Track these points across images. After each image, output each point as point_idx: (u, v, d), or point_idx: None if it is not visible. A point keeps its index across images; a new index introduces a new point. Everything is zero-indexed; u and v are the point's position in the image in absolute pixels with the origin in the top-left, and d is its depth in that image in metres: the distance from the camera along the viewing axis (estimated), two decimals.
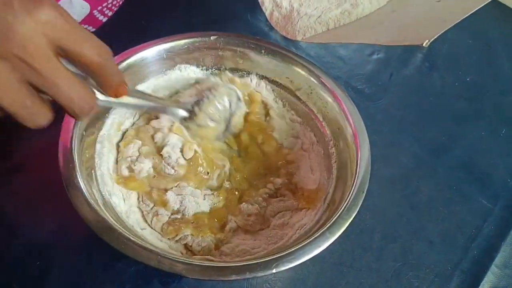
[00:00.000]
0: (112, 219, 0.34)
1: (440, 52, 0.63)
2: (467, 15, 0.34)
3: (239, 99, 0.44)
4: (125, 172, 0.41)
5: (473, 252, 0.44)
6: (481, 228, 0.46)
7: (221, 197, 0.42)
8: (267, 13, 0.45)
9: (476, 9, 0.35)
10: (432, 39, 0.33)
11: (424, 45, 0.32)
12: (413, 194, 0.48)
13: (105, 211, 0.35)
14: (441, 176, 0.50)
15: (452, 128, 0.54)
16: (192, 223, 0.40)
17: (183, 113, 0.41)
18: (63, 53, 0.26)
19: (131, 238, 0.32)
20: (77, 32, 0.26)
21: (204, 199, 0.42)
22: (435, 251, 0.44)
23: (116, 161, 0.42)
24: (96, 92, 0.31)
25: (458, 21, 0.35)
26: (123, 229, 0.33)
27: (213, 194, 0.42)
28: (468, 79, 0.60)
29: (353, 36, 0.42)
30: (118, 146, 0.43)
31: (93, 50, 0.27)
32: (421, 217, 0.46)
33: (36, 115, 0.26)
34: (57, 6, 0.25)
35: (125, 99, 0.34)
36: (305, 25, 0.43)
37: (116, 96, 0.32)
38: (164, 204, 0.40)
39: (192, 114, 0.41)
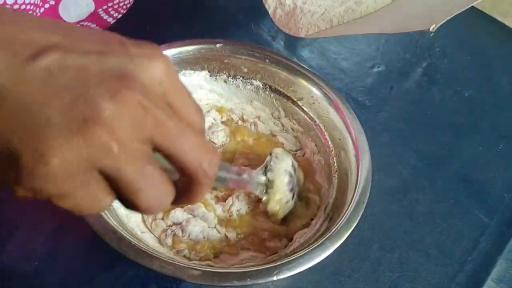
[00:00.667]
0: (113, 221, 0.34)
1: (440, 67, 0.64)
2: (474, 3, 0.34)
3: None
4: None
5: (470, 265, 0.44)
6: (478, 242, 0.46)
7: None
8: (270, 11, 0.46)
9: None
10: (440, 24, 0.32)
11: (431, 29, 0.32)
12: (411, 205, 0.48)
13: (106, 212, 0.35)
14: (439, 189, 0.50)
15: (451, 142, 0.55)
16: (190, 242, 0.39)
17: (261, 187, 0.38)
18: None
19: (132, 241, 0.32)
20: (184, 89, 0.22)
21: (213, 228, 0.40)
22: (432, 263, 0.44)
23: None
24: None
25: (466, 7, 0.34)
26: (125, 232, 0.33)
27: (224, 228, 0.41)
28: (466, 94, 0.61)
29: (358, 29, 0.42)
30: None
31: (196, 111, 0.22)
32: (419, 228, 0.46)
33: (159, 190, 0.21)
34: (168, 58, 0.22)
35: None
36: (308, 22, 0.43)
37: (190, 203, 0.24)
38: (166, 212, 0.40)
39: (267, 184, 0.38)
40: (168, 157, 0.20)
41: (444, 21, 0.32)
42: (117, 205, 0.39)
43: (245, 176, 0.36)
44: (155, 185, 0.20)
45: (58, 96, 0.18)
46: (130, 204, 0.20)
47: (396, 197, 0.49)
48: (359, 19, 0.40)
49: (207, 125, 0.46)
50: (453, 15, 0.33)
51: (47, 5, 0.47)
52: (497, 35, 0.71)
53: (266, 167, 0.39)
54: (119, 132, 0.18)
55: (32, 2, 0.44)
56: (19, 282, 0.38)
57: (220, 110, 0.48)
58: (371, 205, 0.46)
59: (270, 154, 0.40)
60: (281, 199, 0.39)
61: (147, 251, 0.32)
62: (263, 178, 0.38)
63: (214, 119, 0.48)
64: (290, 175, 0.39)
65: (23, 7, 0.43)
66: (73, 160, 0.18)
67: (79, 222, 0.33)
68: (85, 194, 0.19)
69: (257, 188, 0.38)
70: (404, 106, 0.58)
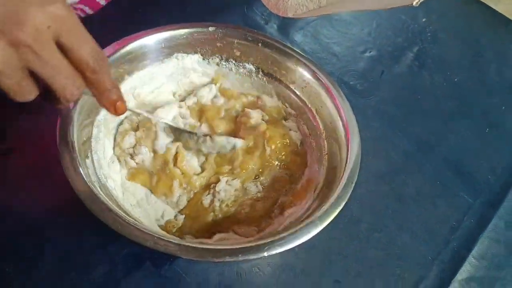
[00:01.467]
0: (109, 201, 0.35)
1: (430, 52, 0.65)
2: None
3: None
4: (133, 164, 0.42)
5: (453, 244, 0.46)
6: (461, 221, 0.48)
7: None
8: None
9: None
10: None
11: (414, 4, 0.32)
12: (400, 187, 0.50)
13: (101, 193, 0.36)
14: (427, 172, 0.51)
15: (440, 126, 0.56)
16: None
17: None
18: (62, 49, 0.28)
19: (127, 219, 0.33)
20: (80, 32, 0.28)
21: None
22: (418, 241, 0.46)
23: (118, 160, 0.43)
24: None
25: None
26: (119, 211, 0.34)
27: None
28: (456, 80, 0.62)
29: (344, 7, 0.42)
30: (115, 138, 0.44)
31: (90, 52, 0.29)
32: (406, 209, 0.48)
33: (27, 92, 0.28)
34: (68, 6, 0.27)
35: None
36: (297, 2, 0.43)
37: (116, 113, 0.32)
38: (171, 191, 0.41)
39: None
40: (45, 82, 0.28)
41: None
42: (111, 186, 0.40)
43: None
44: (24, 91, 0.28)
45: None
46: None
47: (386, 179, 0.50)
48: None
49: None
50: None
51: None
52: (489, 21, 0.72)
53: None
54: (5, 61, 0.26)
55: None
56: (14, 260, 0.39)
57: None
58: (361, 187, 0.48)
59: None
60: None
61: (141, 229, 0.33)
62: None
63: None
64: None
65: None
66: None
67: (74, 202, 0.34)
68: (17, 82, 0.27)
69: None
70: (395, 90, 0.59)
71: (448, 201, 0.49)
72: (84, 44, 0.28)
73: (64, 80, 0.28)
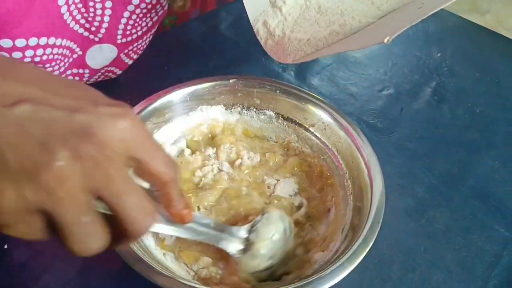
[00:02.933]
0: (141, 251, 0.36)
1: (449, 86, 0.66)
2: (426, 16, 0.35)
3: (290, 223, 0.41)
4: None
5: (494, 281, 0.44)
6: (500, 257, 0.46)
7: None
8: (262, 42, 0.48)
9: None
10: (394, 36, 0.34)
11: (385, 41, 0.33)
12: (429, 223, 0.49)
13: (134, 243, 0.37)
14: (456, 206, 0.51)
15: (465, 158, 0.56)
16: None
17: (238, 246, 0.37)
18: (134, 164, 0.25)
19: (160, 269, 0.34)
20: (152, 144, 0.26)
21: None
22: (454, 280, 0.44)
23: None
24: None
25: (418, 20, 0.35)
26: (151, 261, 0.35)
27: None
28: (478, 111, 0.62)
29: (336, 49, 0.44)
30: None
31: (164, 163, 0.26)
32: (438, 246, 0.47)
33: (92, 237, 0.23)
34: (138, 118, 0.25)
35: (180, 231, 0.33)
36: (295, 48, 0.45)
37: (183, 222, 0.30)
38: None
39: (247, 245, 0.38)
40: (110, 209, 0.23)
41: (397, 34, 0.34)
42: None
43: (223, 232, 0.36)
44: (87, 233, 0.23)
45: (24, 143, 0.21)
46: (64, 244, 0.23)
47: (413, 216, 0.49)
48: (341, 41, 0.43)
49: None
50: (407, 27, 0.35)
51: (75, 55, 0.51)
52: (504, 50, 0.73)
53: (252, 226, 0.38)
54: (66, 180, 0.21)
55: (60, 52, 0.48)
56: None
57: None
58: (389, 226, 0.47)
59: (262, 214, 0.39)
60: (257, 265, 0.37)
61: (175, 278, 0.34)
62: (243, 237, 0.37)
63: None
64: (274, 242, 0.38)
65: (51, 57, 0.47)
66: (18, 201, 0.21)
67: (110, 253, 0.36)
68: (26, 228, 0.22)
69: (233, 247, 0.37)
70: (416, 126, 0.60)
71: (483, 235, 0.48)
72: (160, 157, 0.25)
73: (137, 204, 0.24)
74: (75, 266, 0.42)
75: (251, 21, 0.48)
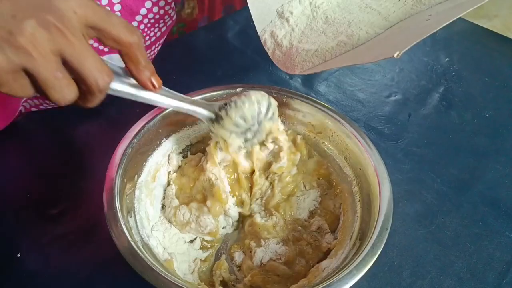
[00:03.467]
0: (151, 260, 0.37)
1: (457, 91, 0.65)
2: (436, 29, 0.35)
3: (269, 106, 0.42)
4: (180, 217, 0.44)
5: None
6: (511, 264, 0.45)
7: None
8: (269, 52, 0.49)
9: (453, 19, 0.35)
10: (404, 51, 0.34)
11: (395, 56, 0.34)
12: (439, 230, 0.48)
13: (144, 252, 0.38)
14: (466, 212, 0.50)
15: (474, 164, 0.55)
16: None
17: (209, 114, 0.40)
18: (96, 33, 0.29)
19: (168, 278, 0.35)
20: (108, 13, 0.29)
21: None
22: (465, 287, 0.44)
23: (163, 206, 0.45)
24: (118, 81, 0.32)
25: (428, 34, 0.35)
26: (162, 270, 0.36)
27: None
28: (486, 116, 0.62)
29: (343, 61, 0.44)
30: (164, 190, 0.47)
31: (126, 30, 0.30)
32: (448, 253, 0.46)
33: (66, 88, 0.29)
34: None
35: (151, 94, 0.34)
36: (303, 59, 0.45)
37: (154, 87, 0.33)
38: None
39: (218, 117, 0.40)
40: (71, 70, 0.29)
41: (406, 49, 0.34)
42: (153, 244, 0.42)
43: (195, 104, 0.39)
44: (62, 85, 0.28)
45: None
46: (46, 96, 0.29)
47: (423, 222, 0.49)
48: (349, 52, 0.43)
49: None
50: (415, 42, 0.35)
51: None
52: (509, 52, 0.72)
53: (226, 103, 0.40)
54: (37, 44, 0.27)
55: None
56: None
57: None
58: (398, 232, 0.47)
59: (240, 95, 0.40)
60: (229, 127, 0.40)
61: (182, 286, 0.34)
62: (216, 110, 0.40)
63: None
64: (244, 119, 0.40)
65: None
66: (4, 62, 0.26)
67: (119, 262, 0.36)
68: (15, 84, 0.28)
69: (205, 115, 0.40)
70: (424, 131, 0.59)
71: (493, 242, 0.47)
72: (117, 23, 0.29)
73: (94, 64, 0.29)
74: (84, 275, 0.43)
75: (258, 32, 0.48)
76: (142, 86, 0.33)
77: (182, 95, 0.39)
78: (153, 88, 0.33)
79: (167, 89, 0.37)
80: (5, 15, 0.26)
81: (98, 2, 0.30)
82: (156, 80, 0.33)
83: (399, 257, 0.46)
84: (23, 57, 0.27)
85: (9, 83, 0.27)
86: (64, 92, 0.29)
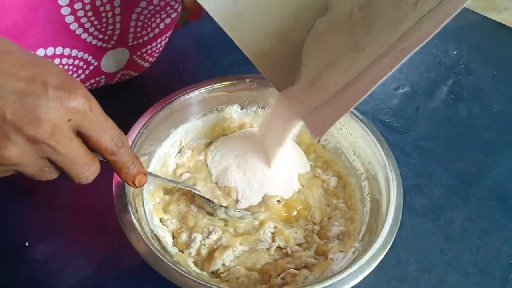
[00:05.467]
0: (161, 250, 0.37)
1: (466, 84, 0.65)
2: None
3: None
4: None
5: None
6: None
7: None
8: None
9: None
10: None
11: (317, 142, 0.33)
12: (446, 224, 0.48)
13: (153, 242, 0.38)
14: (473, 206, 0.50)
15: (482, 158, 0.55)
16: None
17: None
18: (82, 137, 0.30)
19: (179, 269, 0.35)
20: (100, 121, 0.30)
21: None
22: (471, 282, 0.44)
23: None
24: None
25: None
26: (171, 261, 0.36)
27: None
28: (495, 109, 0.62)
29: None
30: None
31: (109, 138, 0.30)
32: (455, 247, 0.46)
33: (49, 175, 0.30)
34: (88, 97, 0.29)
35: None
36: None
37: (136, 186, 0.35)
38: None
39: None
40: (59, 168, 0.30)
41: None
42: (161, 235, 0.42)
43: None
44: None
45: None
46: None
47: (430, 216, 0.49)
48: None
49: None
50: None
51: (91, 67, 0.52)
52: None
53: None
54: (23, 157, 0.27)
55: (72, 63, 0.49)
56: None
57: None
58: (405, 226, 0.47)
59: None
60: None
61: (192, 278, 0.34)
62: None
63: None
64: None
65: (66, 67, 0.48)
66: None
67: (128, 251, 0.36)
68: (38, 170, 0.29)
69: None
70: (432, 125, 0.59)
71: (500, 237, 0.47)
72: (103, 132, 0.30)
73: (79, 168, 0.30)
74: (94, 263, 0.43)
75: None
76: (127, 183, 0.35)
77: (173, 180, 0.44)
78: (135, 187, 0.35)
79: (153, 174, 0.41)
80: None
81: (94, 103, 0.29)
82: (138, 181, 0.34)
83: (406, 251, 0.46)
84: (13, 167, 0.28)
85: (32, 168, 0.29)
86: (48, 178, 0.30)
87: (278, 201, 0.45)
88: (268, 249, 0.42)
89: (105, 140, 0.30)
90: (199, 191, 0.44)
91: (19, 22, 0.40)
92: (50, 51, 0.45)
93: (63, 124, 0.27)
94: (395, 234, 0.37)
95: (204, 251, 0.41)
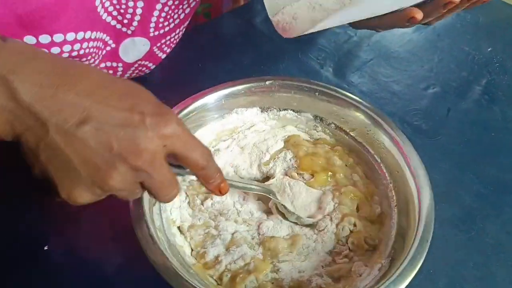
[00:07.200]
0: (175, 261, 0.36)
1: (500, 84, 0.61)
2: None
3: None
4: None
5: None
6: None
7: None
8: (274, 24, 0.44)
9: None
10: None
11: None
12: (478, 236, 0.46)
13: (169, 252, 0.37)
14: (508, 217, 0.47)
15: None
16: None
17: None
18: (174, 157, 0.32)
19: (188, 278, 0.34)
20: (190, 142, 0.32)
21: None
22: None
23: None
24: None
25: None
26: (187, 276, 0.34)
27: None
28: None
29: (349, 16, 0.40)
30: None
31: (200, 155, 0.33)
32: (489, 262, 0.44)
33: (136, 195, 0.33)
34: (180, 123, 0.32)
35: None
36: (304, 17, 0.41)
37: (221, 193, 0.37)
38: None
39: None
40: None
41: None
42: (180, 244, 0.41)
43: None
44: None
45: (91, 158, 0.29)
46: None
47: (461, 227, 0.46)
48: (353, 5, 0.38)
49: None
50: None
51: (108, 48, 0.51)
52: None
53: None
54: (125, 182, 0.30)
55: (95, 45, 0.47)
56: None
57: None
58: (434, 237, 0.44)
59: None
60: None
61: None
62: None
63: None
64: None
65: (87, 51, 0.47)
66: (92, 197, 0.31)
67: (142, 258, 0.35)
68: (130, 193, 0.32)
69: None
70: (464, 128, 0.56)
71: None
72: (194, 151, 0.32)
73: (166, 190, 0.32)
74: (110, 268, 0.43)
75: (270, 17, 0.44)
76: (212, 193, 0.37)
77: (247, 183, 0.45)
78: (220, 195, 0.37)
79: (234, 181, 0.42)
80: (99, 157, 0.29)
81: (185, 128, 0.32)
82: (222, 189, 0.36)
83: (435, 265, 0.43)
84: (111, 192, 0.31)
85: (127, 191, 0.32)
86: (134, 198, 0.34)
87: None
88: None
89: (196, 157, 0.32)
90: (276, 198, 0.44)
91: (51, 4, 0.39)
92: (80, 35, 0.44)
93: (160, 150, 0.30)
94: (426, 252, 0.35)
95: (226, 278, 0.39)
